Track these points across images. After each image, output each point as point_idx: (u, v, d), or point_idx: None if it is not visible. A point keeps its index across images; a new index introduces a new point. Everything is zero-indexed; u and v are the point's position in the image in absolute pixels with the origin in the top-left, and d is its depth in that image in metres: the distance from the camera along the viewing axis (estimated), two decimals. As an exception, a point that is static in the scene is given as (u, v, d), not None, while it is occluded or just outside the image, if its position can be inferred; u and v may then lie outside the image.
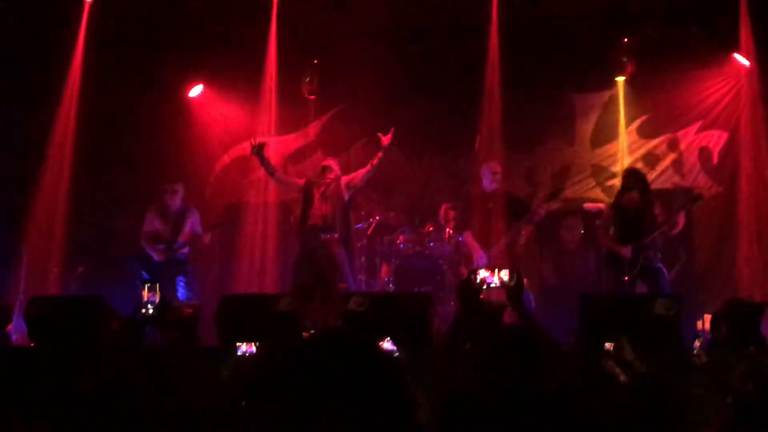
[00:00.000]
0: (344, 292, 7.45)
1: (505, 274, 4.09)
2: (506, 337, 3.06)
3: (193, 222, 8.39)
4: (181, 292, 8.17)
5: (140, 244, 8.33)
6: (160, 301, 3.82)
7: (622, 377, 3.55)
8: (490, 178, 8.06)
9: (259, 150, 7.92)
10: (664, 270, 7.50)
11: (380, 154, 7.87)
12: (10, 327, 6.82)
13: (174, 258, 8.24)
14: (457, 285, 6.05)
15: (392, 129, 7.85)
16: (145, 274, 7.90)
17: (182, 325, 6.08)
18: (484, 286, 4.23)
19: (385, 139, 7.81)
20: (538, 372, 2.55)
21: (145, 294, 3.68)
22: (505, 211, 7.93)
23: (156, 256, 8.18)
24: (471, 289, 3.98)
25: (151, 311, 3.60)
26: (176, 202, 8.35)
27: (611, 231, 7.60)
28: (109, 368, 2.73)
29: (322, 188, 7.94)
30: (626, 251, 7.39)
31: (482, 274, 4.09)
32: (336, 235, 7.88)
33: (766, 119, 8.59)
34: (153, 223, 8.32)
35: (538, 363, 2.66)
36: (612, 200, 7.94)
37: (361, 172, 8.08)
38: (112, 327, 5.93)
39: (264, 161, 8.08)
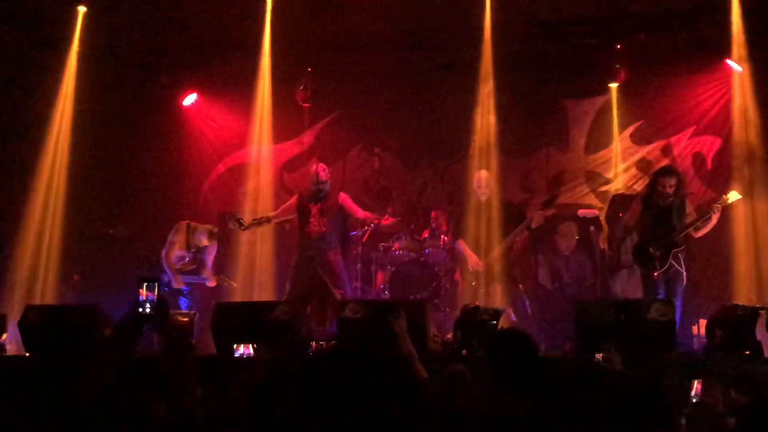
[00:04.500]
0: (342, 298, 7.45)
1: None
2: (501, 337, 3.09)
3: (211, 255, 8.62)
4: (183, 304, 8.26)
5: (160, 263, 8.44)
6: (158, 299, 3.82)
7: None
8: (478, 189, 8.08)
9: (243, 225, 8.00)
10: (685, 277, 7.35)
11: (375, 222, 8.09)
12: (5, 337, 6.80)
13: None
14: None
15: (399, 219, 8.37)
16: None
17: (178, 332, 6.09)
18: None
19: (385, 221, 8.09)
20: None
21: (144, 292, 3.68)
22: (500, 219, 7.94)
23: (175, 284, 8.34)
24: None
25: (148, 309, 3.60)
26: (199, 240, 8.53)
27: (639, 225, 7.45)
28: (105, 375, 2.74)
29: (320, 205, 7.95)
30: (656, 244, 7.25)
31: None
32: (335, 244, 7.91)
33: (758, 124, 8.62)
34: (176, 251, 8.46)
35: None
36: (643, 194, 7.71)
37: (359, 213, 8.06)
38: (106, 332, 5.93)
39: (257, 224, 8.18)
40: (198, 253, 8.55)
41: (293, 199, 8.33)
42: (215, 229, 8.62)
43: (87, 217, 9.33)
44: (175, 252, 8.46)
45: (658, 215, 7.33)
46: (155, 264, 8.47)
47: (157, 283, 3.90)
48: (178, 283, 8.37)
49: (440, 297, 8.34)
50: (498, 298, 7.79)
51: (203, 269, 8.58)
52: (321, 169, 8.02)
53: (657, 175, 7.51)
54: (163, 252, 8.46)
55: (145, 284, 3.86)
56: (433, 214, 9.05)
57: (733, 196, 7.42)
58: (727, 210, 7.57)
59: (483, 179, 8.12)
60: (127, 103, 9.54)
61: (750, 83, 8.70)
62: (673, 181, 7.30)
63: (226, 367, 5.60)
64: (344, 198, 8.12)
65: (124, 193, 9.62)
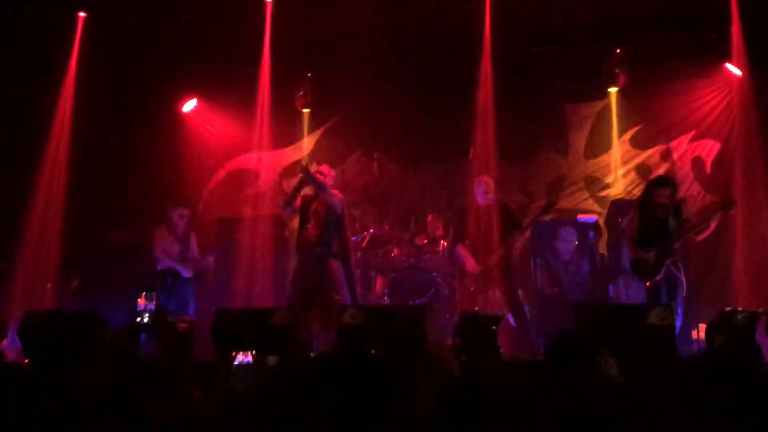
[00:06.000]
0: (340, 304, 7.44)
1: None
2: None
3: (193, 244, 8.46)
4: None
5: (159, 263, 8.25)
6: (156, 309, 3.83)
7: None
8: (482, 195, 8.02)
9: (307, 172, 7.91)
10: (685, 285, 7.24)
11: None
12: (4, 343, 6.79)
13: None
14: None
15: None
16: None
17: (177, 339, 6.09)
18: None
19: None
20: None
21: (142, 302, 3.69)
22: (500, 224, 7.92)
23: (185, 272, 8.22)
24: None
25: (146, 319, 3.61)
26: (183, 224, 8.41)
27: (635, 235, 7.35)
28: (104, 380, 2.73)
29: (316, 204, 7.93)
30: (648, 256, 7.18)
31: None
32: (333, 249, 7.89)
33: (758, 128, 8.62)
34: (166, 242, 8.34)
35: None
36: (638, 203, 7.57)
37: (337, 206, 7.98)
38: (106, 339, 5.94)
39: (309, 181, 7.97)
40: (185, 239, 8.37)
41: (297, 202, 8.22)
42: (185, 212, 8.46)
43: (86, 223, 9.32)
44: (166, 244, 8.29)
45: (653, 224, 7.28)
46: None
47: (155, 292, 3.92)
48: (189, 271, 8.24)
49: (440, 302, 8.35)
50: (497, 303, 7.78)
51: (194, 251, 8.43)
52: (324, 168, 8.11)
53: (651, 187, 7.44)
54: (157, 255, 8.31)
55: (143, 293, 3.87)
56: (429, 218, 9.01)
57: (730, 205, 7.42)
58: (726, 214, 7.56)
59: (488, 183, 8.07)
60: (127, 109, 9.55)
61: (750, 87, 8.70)
62: (667, 192, 7.27)
63: (225, 372, 5.59)
64: (339, 197, 8.06)
65: (124, 199, 9.62)
